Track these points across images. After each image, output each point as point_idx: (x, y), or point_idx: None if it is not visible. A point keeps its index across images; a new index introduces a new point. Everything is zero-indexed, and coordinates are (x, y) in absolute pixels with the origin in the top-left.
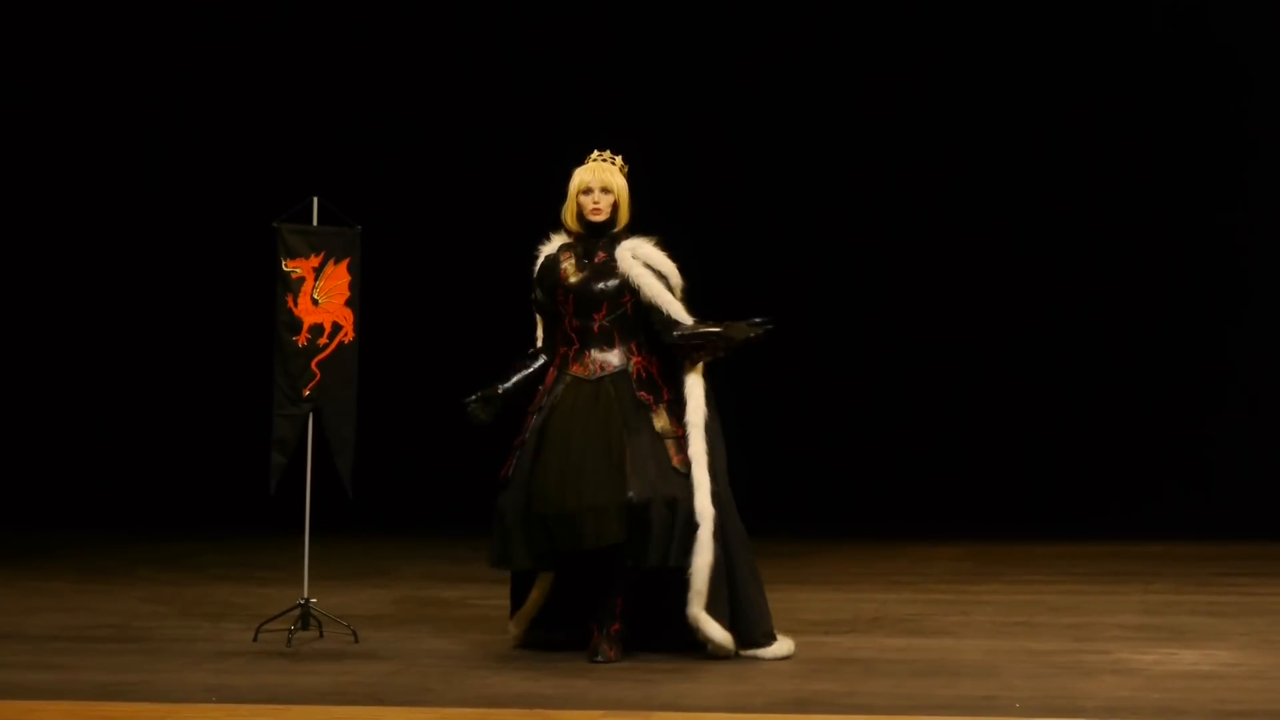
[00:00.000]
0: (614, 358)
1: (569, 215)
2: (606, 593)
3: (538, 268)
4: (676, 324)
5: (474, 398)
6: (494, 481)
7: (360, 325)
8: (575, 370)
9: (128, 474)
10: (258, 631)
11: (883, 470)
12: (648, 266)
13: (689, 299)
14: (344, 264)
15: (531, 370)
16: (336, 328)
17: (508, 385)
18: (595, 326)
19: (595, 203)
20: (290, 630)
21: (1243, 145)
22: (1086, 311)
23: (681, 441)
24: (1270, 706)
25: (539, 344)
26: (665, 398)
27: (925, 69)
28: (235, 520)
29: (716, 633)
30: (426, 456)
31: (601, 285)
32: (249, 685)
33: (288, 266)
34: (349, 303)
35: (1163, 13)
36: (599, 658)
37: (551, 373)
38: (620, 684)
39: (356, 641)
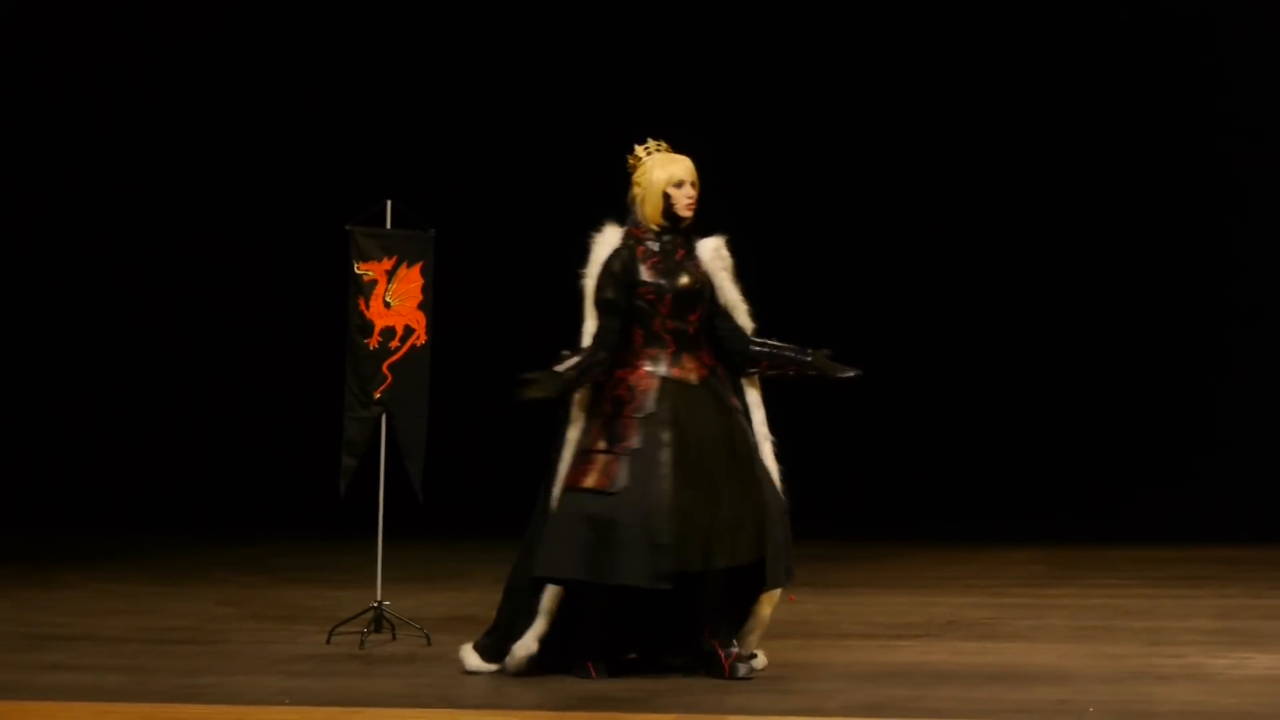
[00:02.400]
0: (706, 360)
1: (652, 209)
2: (715, 608)
3: (609, 262)
4: (748, 335)
5: (533, 375)
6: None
7: (432, 329)
8: (676, 374)
9: (202, 477)
10: (331, 634)
11: (956, 474)
12: (725, 269)
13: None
14: (417, 267)
15: (594, 361)
16: (409, 331)
17: (569, 371)
18: (690, 328)
19: (689, 197)
20: (363, 633)
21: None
22: (1153, 312)
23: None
24: None
25: (593, 342)
26: (742, 406)
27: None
28: (308, 523)
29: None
30: (498, 460)
31: (698, 285)
32: (322, 688)
33: (360, 269)
34: (421, 306)
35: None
36: (741, 673)
37: (639, 375)
38: (693, 688)
39: (429, 644)
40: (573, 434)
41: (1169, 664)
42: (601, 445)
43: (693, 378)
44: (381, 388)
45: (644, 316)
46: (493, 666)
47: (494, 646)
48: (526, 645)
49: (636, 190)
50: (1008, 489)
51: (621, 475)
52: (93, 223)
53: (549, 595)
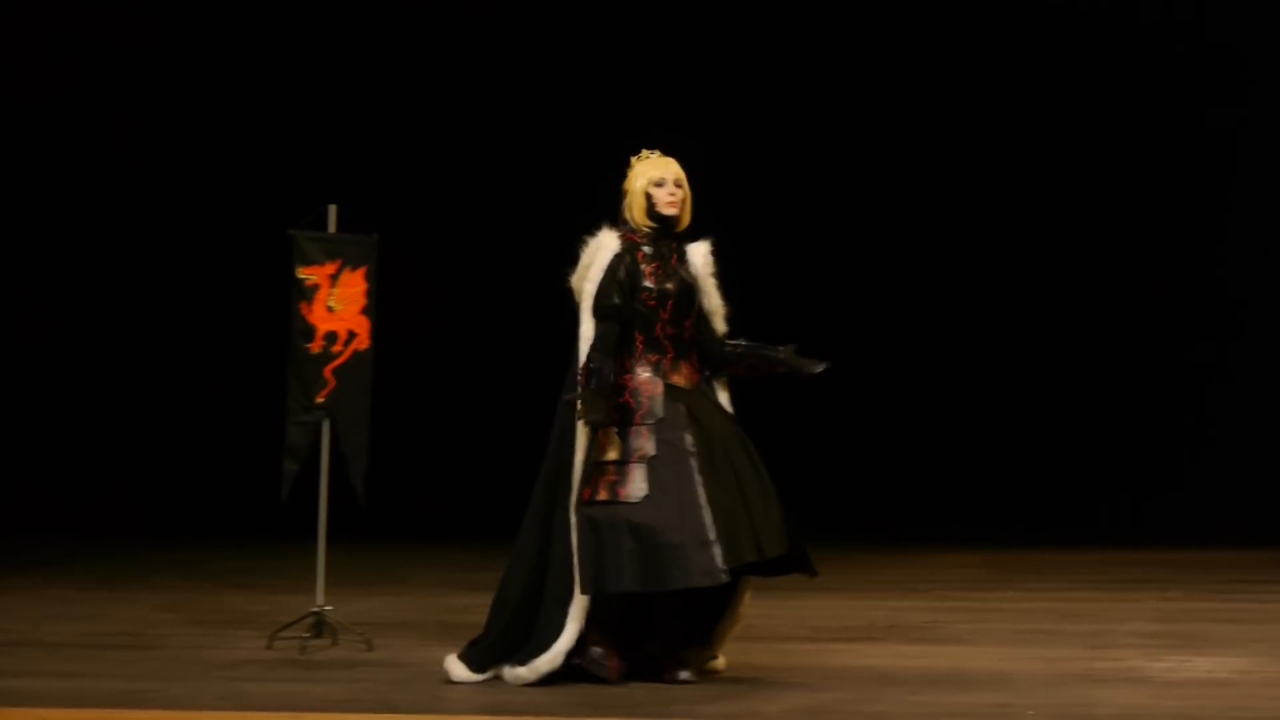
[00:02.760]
0: (696, 365)
1: (638, 211)
2: (667, 615)
3: (614, 268)
4: (732, 337)
5: (578, 397)
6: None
7: (375, 333)
8: (675, 380)
9: (143, 481)
10: (272, 639)
11: (896, 478)
12: (710, 275)
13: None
14: (360, 272)
15: (610, 373)
16: (351, 335)
17: (605, 391)
18: (685, 334)
19: (671, 194)
20: (304, 638)
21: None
22: (1092, 318)
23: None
24: None
25: (598, 348)
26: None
27: (921, 86)
28: (249, 528)
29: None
30: (440, 464)
31: (694, 290)
32: (263, 693)
33: (303, 273)
34: (365, 310)
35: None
36: (686, 676)
37: (640, 380)
38: (635, 692)
39: (370, 649)
40: (580, 445)
41: (1109, 667)
42: (614, 455)
43: (687, 384)
44: (324, 392)
45: (645, 322)
46: (479, 676)
47: (481, 655)
48: (553, 660)
49: (626, 197)
50: (947, 493)
51: (639, 483)
52: (33, 228)
53: (578, 608)
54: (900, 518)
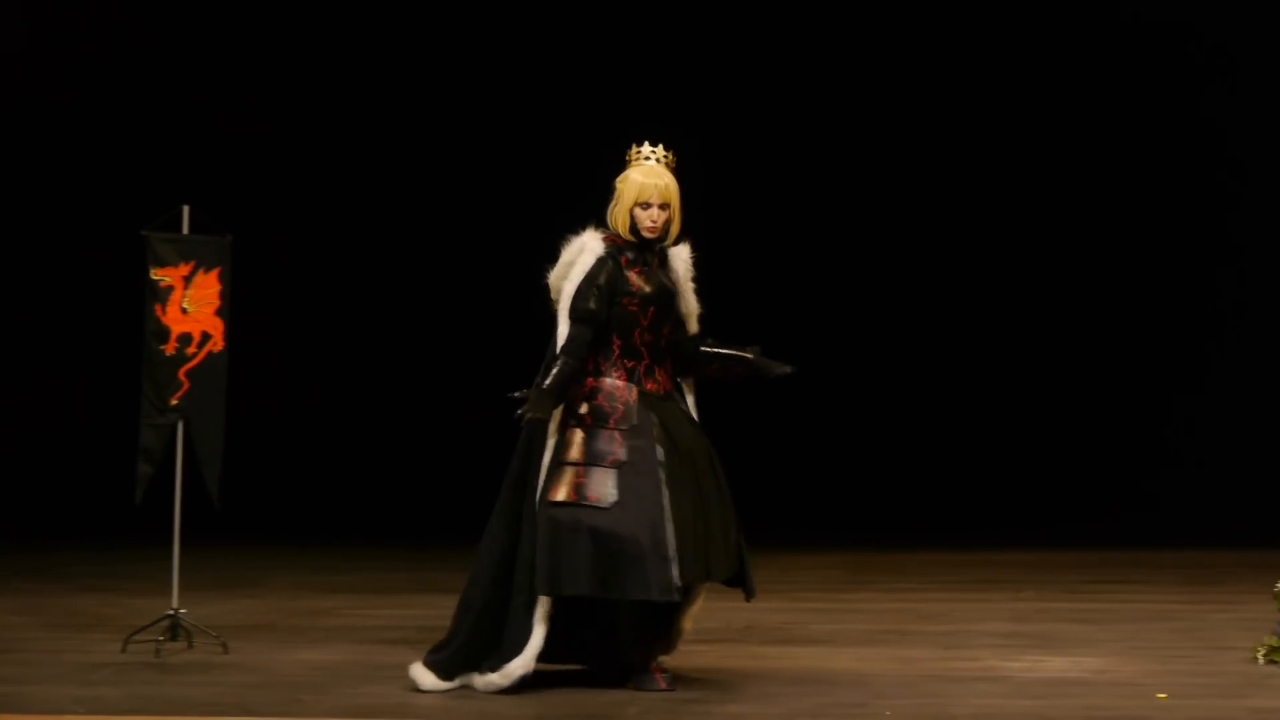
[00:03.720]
0: (670, 372)
1: (620, 224)
2: (671, 622)
3: (594, 273)
4: (701, 337)
5: (522, 394)
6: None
7: (230, 335)
8: (650, 387)
9: None
10: (126, 642)
11: (752, 478)
12: (689, 279)
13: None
14: (214, 273)
15: (569, 375)
16: (205, 337)
17: (556, 391)
18: (662, 341)
19: (653, 220)
20: (159, 641)
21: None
22: (943, 321)
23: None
24: (1137, 713)
25: (566, 350)
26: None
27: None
28: (103, 531)
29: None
30: (295, 467)
31: (675, 296)
32: (118, 696)
33: (156, 275)
34: (219, 312)
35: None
36: (653, 686)
37: (614, 385)
38: (494, 697)
39: (226, 652)
40: (549, 446)
41: (965, 667)
42: (577, 457)
43: (660, 390)
44: (178, 394)
45: (626, 327)
46: (449, 684)
47: (448, 662)
48: (525, 663)
49: (614, 199)
50: (804, 493)
51: (610, 489)
52: None
53: (543, 610)
54: (755, 518)
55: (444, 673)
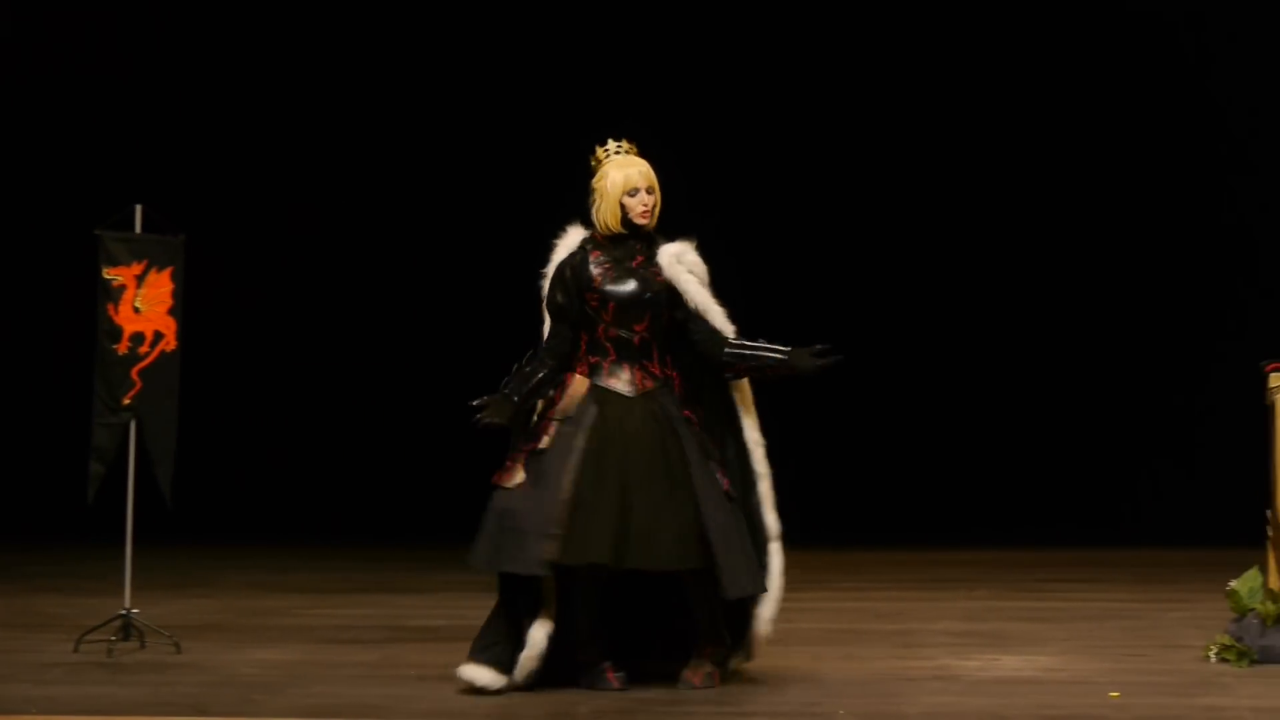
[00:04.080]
0: (654, 371)
1: (609, 216)
2: (702, 619)
3: (558, 266)
4: (725, 338)
5: (482, 401)
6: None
7: (183, 334)
8: (612, 384)
9: None
10: (78, 642)
11: None
12: (690, 273)
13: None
14: (167, 272)
15: (541, 377)
16: (158, 336)
17: (520, 393)
18: (636, 338)
19: (644, 205)
20: (111, 641)
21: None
22: (897, 324)
23: (721, 463)
24: (1090, 711)
25: (543, 349)
26: (702, 416)
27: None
28: (55, 530)
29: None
30: (248, 466)
31: (649, 293)
32: (70, 696)
33: (108, 274)
34: (171, 311)
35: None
36: (605, 685)
37: (574, 380)
38: (446, 692)
39: (179, 652)
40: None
41: (919, 666)
42: (520, 444)
43: (626, 389)
44: (131, 394)
45: (589, 323)
46: (506, 679)
47: (502, 655)
48: (529, 659)
49: (594, 195)
50: None
51: (519, 473)
52: None
53: (544, 593)
54: None
55: (504, 667)
